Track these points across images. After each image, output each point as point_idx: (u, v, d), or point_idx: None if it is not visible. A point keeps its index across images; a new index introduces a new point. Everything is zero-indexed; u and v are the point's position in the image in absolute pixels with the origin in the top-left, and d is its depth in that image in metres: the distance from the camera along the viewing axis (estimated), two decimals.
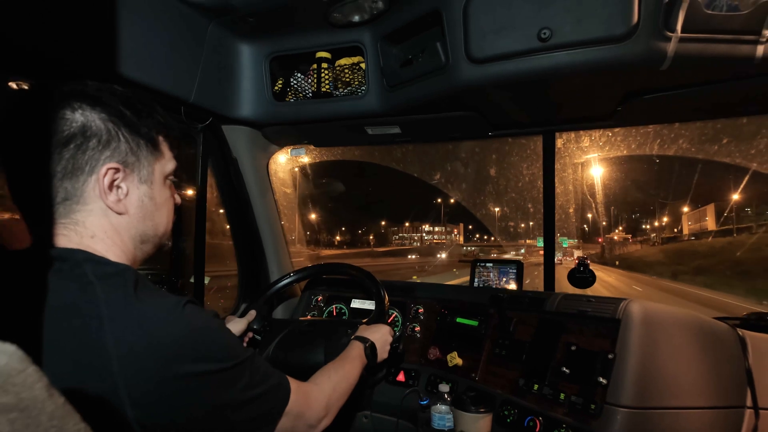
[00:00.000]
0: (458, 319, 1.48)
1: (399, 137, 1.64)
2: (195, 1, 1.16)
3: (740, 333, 1.19)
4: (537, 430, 1.09)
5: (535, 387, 1.15)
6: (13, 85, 1.02)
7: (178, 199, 0.79)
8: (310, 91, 1.46)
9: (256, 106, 1.49)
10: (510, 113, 1.43)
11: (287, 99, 1.49)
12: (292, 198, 2.09)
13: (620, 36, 0.97)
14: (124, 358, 0.55)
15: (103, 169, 0.64)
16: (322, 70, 1.43)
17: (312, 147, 1.92)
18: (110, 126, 0.65)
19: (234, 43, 1.39)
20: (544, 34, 1.01)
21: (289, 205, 2.01)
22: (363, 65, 1.38)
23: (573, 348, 1.14)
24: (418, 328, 1.56)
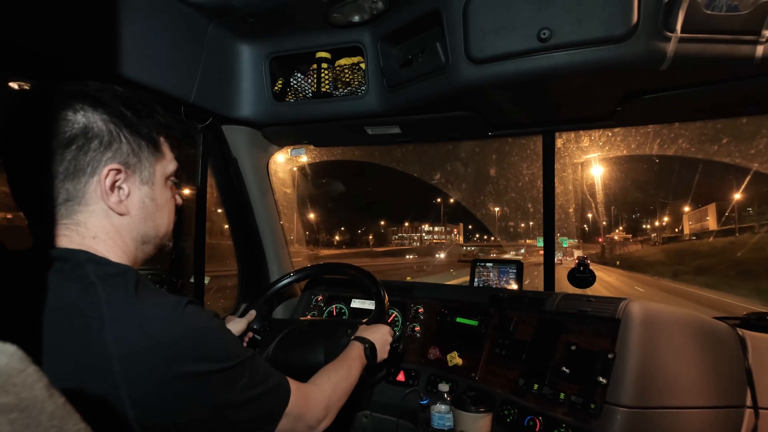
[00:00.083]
0: (458, 319, 1.48)
1: (399, 137, 1.64)
2: (195, 2, 1.16)
3: (740, 333, 1.19)
4: (537, 429, 1.09)
5: (535, 387, 1.15)
6: (14, 85, 1.02)
7: (179, 200, 0.79)
8: (310, 91, 1.46)
9: (256, 106, 1.49)
10: (510, 113, 1.44)
11: (287, 99, 1.49)
12: (291, 198, 2.09)
13: (620, 36, 0.97)
14: (124, 359, 0.55)
15: (105, 170, 0.64)
16: (322, 71, 1.43)
17: (312, 147, 1.92)
18: (112, 127, 0.65)
19: (234, 43, 1.39)
20: (544, 34, 1.01)
21: (288, 205, 2.01)
22: (363, 65, 1.39)
23: (573, 348, 1.14)
24: (418, 328, 1.56)
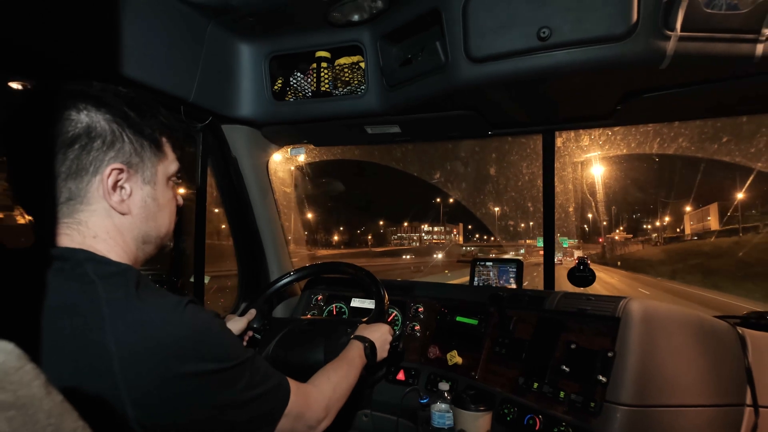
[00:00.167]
0: (458, 318, 1.48)
1: (398, 136, 1.64)
2: (194, 1, 1.16)
3: (740, 331, 1.19)
4: (537, 428, 1.09)
5: (535, 385, 1.15)
6: (15, 85, 1.02)
7: (180, 201, 0.80)
8: (309, 90, 1.46)
9: (255, 106, 1.49)
10: (509, 112, 1.43)
11: (287, 98, 1.49)
12: (291, 197, 2.09)
13: (620, 35, 0.97)
14: (124, 358, 0.55)
15: (108, 170, 0.65)
16: (322, 70, 1.43)
17: (311, 146, 1.92)
18: (114, 127, 0.65)
19: (233, 42, 1.39)
20: (544, 33, 1.01)
21: (288, 204, 2.01)
22: (362, 64, 1.38)
23: (573, 346, 1.14)
24: (417, 327, 1.56)
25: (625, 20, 0.95)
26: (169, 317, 0.60)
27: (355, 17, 1.27)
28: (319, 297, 1.80)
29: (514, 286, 1.66)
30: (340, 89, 1.43)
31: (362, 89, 1.40)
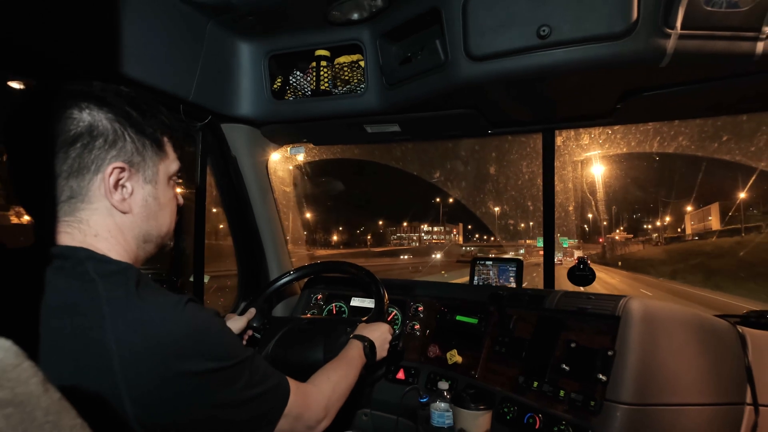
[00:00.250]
0: (458, 317, 1.48)
1: (398, 135, 1.63)
2: (194, 0, 1.16)
3: (740, 330, 1.19)
4: (537, 427, 1.09)
5: (535, 384, 1.15)
6: (14, 84, 1.02)
7: (180, 200, 0.80)
8: (309, 89, 1.46)
9: (255, 105, 1.48)
10: (509, 111, 1.43)
11: (286, 97, 1.49)
12: (291, 197, 2.09)
13: (620, 33, 0.97)
14: (125, 357, 0.55)
15: (109, 169, 0.65)
16: (321, 68, 1.42)
17: (311, 145, 1.92)
18: (116, 126, 0.66)
19: (233, 41, 1.39)
20: (544, 31, 1.01)
21: (287, 203, 2.01)
22: (362, 63, 1.38)
23: (573, 345, 1.14)
24: (417, 326, 1.56)
25: (625, 18, 0.95)
26: (169, 316, 0.60)
27: (355, 16, 1.27)
28: (319, 296, 1.80)
29: (514, 285, 1.66)
30: (340, 88, 1.43)
31: (362, 88, 1.40)
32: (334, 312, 1.74)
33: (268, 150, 1.77)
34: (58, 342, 0.56)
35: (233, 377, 0.65)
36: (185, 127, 1.42)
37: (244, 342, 1.35)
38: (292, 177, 2.10)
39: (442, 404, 1.21)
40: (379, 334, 1.20)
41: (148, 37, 1.07)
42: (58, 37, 0.91)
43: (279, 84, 1.48)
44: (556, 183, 1.63)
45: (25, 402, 0.26)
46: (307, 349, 1.24)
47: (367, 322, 1.28)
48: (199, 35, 1.24)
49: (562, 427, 1.04)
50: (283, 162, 2.00)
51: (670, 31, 0.95)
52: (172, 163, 0.75)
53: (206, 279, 1.61)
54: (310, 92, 1.45)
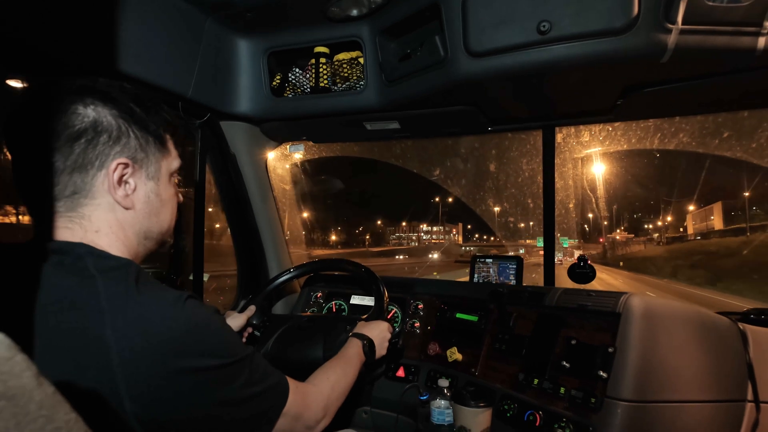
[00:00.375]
0: (458, 315, 1.48)
1: (398, 132, 1.63)
2: None
3: (741, 327, 1.19)
4: (537, 424, 1.09)
5: (535, 381, 1.15)
6: (13, 83, 1.02)
7: (181, 197, 0.80)
8: (308, 86, 1.45)
9: (254, 102, 1.48)
10: (509, 107, 1.43)
11: (285, 94, 1.48)
12: (290, 195, 2.09)
13: (620, 28, 0.96)
14: (124, 353, 0.55)
15: (113, 164, 0.65)
16: (321, 65, 1.42)
17: (310, 143, 1.91)
18: (121, 122, 0.66)
19: (232, 38, 1.38)
20: (544, 26, 1.00)
21: (285, 202, 2.00)
22: (361, 60, 1.38)
23: (573, 342, 1.13)
24: (417, 324, 1.56)
25: (626, 13, 0.94)
26: (169, 312, 0.60)
27: (354, 12, 1.26)
28: (319, 294, 1.80)
29: (514, 282, 1.65)
30: (339, 85, 1.43)
31: (361, 85, 1.39)
32: (334, 310, 1.74)
33: (267, 147, 1.77)
34: (56, 338, 0.55)
35: (233, 375, 0.65)
36: (184, 125, 1.42)
37: (244, 339, 1.35)
38: (291, 175, 2.10)
39: (443, 402, 1.21)
40: (379, 333, 1.20)
41: (146, 34, 1.07)
42: (57, 34, 0.91)
43: (278, 81, 1.48)
44: (556, 180, 1.62)
45: (17, 395, 0.25)
46: (307, 347, 1.24)
47: (366, 320, 1.27)
48: (197, 32, 1.24)
49: (563, 424, 1.03)
50: (281, 160, 1.99)
51: (671, 26, 0.94)
52: (173, 160, 0.75)
53: (206, 277, 1.60)
54: (309, 89, 1.45)
